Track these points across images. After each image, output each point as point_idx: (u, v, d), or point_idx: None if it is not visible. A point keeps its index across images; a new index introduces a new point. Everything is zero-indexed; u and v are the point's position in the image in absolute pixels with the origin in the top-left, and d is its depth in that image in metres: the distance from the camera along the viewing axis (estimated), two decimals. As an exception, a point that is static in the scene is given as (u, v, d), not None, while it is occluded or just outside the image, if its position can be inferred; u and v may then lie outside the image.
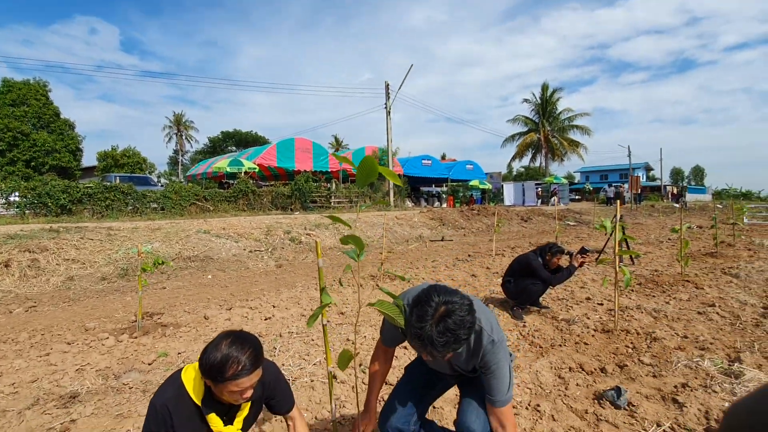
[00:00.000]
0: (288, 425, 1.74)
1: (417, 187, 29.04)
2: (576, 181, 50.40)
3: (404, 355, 3.34)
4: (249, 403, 1.57)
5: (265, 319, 4.44)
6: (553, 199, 27.14)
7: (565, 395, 2.70)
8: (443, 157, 39.70)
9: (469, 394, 1.67)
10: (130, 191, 12.57)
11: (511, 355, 1.66)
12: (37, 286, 6.11)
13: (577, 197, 36.46)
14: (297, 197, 15.96)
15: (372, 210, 16.12)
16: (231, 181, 17.39)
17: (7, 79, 24.64)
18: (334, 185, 18.91)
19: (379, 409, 1.86)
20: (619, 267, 3.76)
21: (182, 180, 24.89)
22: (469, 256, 8.77)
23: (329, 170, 20.91)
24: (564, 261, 4.62)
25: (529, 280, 4.35)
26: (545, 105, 38.04)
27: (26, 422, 2.38)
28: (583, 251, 4.27)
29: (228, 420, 1.54)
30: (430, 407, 1.96)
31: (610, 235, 3.99)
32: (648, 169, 55.63)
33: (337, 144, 51.46)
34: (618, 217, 4.28)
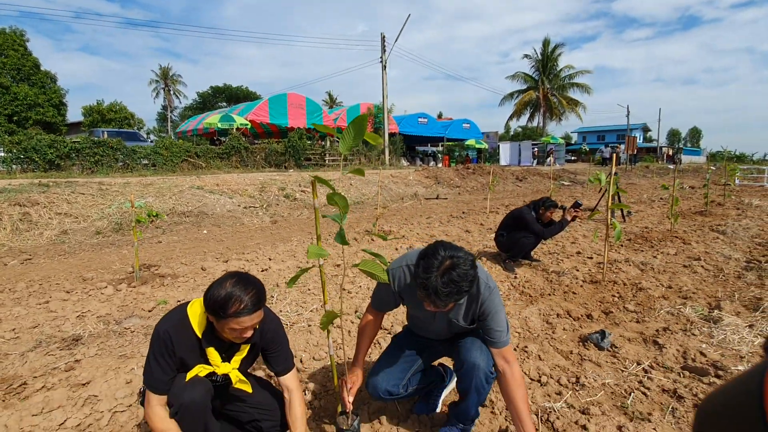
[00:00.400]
0: (285, 398, 1.67)
1: (413, 146, 28.67)
2: (573, 142, 50.03)
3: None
4: (248, 346, 1.59)
5: (262, 271, 4.51)
6: (548, 159, 27.03)
7: (552, 338, 2.82)
8: (440, 116, 38.87)
9: (465, 342, 1.71)
10: (119, 146, 12.29)
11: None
12: (30, 240, 6.10)
13: (572, 158, 36.33)
14: (291, 154, 15.73)
15: (367, 168, 15.97)
16: (222, 138, 17.04)
17: (-20, 28, 23.26)
18: (328, 143, 18.61)
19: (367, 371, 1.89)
20: (611, 221, 3.81)
21: (172, 137, 24.26)
22: (463, 213, 8.83)
23: (323, 127, 20.46)
24: (557, 215, 4.67)
25: (521, 234, 4.41)
26: (546, 61, 36.87)
27: (29, 363, 2.45)
28: (576, 205, 4.31)
29: (226, 358, 1.58)
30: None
31: (603, 192, 4.01)
32: (645, 130, 55.17)
33: (332, 101, 50.05)
34: (613, 171, 4.29)
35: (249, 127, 17.89)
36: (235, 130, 16.32)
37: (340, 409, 1.67)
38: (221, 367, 1.54)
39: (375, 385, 1.81)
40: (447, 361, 2.16)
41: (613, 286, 3.83)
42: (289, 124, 19.23)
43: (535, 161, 26.92)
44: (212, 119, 17.60)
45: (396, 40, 18.95)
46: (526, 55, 38.26)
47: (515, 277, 4.22)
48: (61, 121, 25.87)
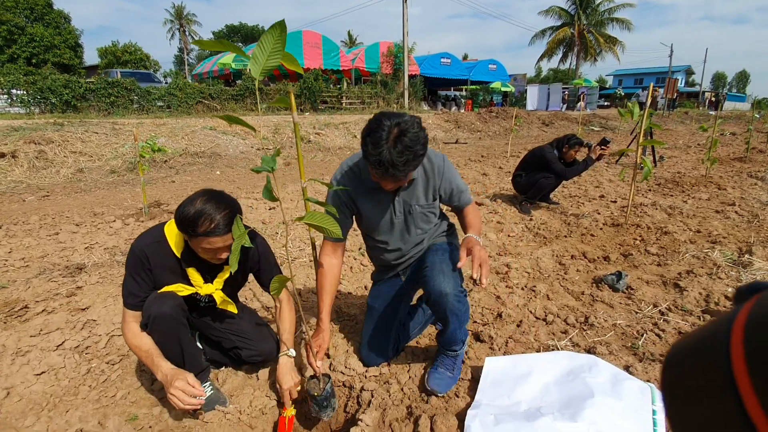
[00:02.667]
0: (275, 307, 1.65)
1: (434, 90, 27.37)
2: (608, 86, 46.69)
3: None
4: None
5: (270, 209, 4.45)
6: (579, 104, 25.45)
7: (563, 279, 2.66)
8: (465, 58, 36.65)
9: (425, 270, 1.57)
10: (133, 87, 12.11)
11: None
12: (48, 178, 6.19)
13: (606, 103, 34.05)
14: (306, 97, 15.25)
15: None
16: (238, 81, 16.58)
17: (-11, -37, 22.56)
18: (345, 85, 17.91)
19: (330, 326, 1.67)
20: (640, 159, 3.48)
21: (189, 79, 23.87)
22: (482, 156, 8.46)
23: (341, 68, 19.62)
24: (582, 155, 4.34)
25: (541, 174, 4.13)
26: (584, -6, 33.57)
27: (32, 288, 2.48)
28: (603, 142, 3.96)
29: (209, 279, 1.52)
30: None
31: (635, 135, 3.62)
32: (689, 73, 50.83)
33: (351, 41, 47.75)
34: (648, 104, 3.87)
35: (263, 67, 17.28)
36: (249, 71, 15.82)
37: (310, 374, 1.51)
38: (203, 288, 1.48)
39: (367, 362, 1.77)
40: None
41: (636, 230, 3.58)
42: (305, 65, 18.47)
43: (565, 106, 25.42)
44: (226, 59, 17.07)
45: (418, -31, 17.36)
46: (562, -13, 34.83)
47: (530, 219, 4.02)
48: (78, 63, 25.68)
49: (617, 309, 2.23)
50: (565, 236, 3.55)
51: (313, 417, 1.47)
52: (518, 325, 2.06)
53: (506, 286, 2.54)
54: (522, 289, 2.51)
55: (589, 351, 1.82)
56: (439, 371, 1.60)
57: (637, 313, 2.18)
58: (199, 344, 1.75)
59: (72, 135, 7.10)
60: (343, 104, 16.49)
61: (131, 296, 1.42)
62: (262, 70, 1.08)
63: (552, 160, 4.02)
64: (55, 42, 23.78)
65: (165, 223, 1.49)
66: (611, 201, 4.62)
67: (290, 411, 1.49)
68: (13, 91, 10.91)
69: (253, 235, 1.56)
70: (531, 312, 2.21)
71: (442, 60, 23.98)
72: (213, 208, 1.29)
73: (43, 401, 1.67)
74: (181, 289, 1.44)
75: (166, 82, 19.54)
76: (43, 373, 1.80)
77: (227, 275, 1.53)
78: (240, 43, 41.19)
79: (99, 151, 7.03)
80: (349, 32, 48.77)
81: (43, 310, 2.23)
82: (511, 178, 4.61)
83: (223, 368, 1.81)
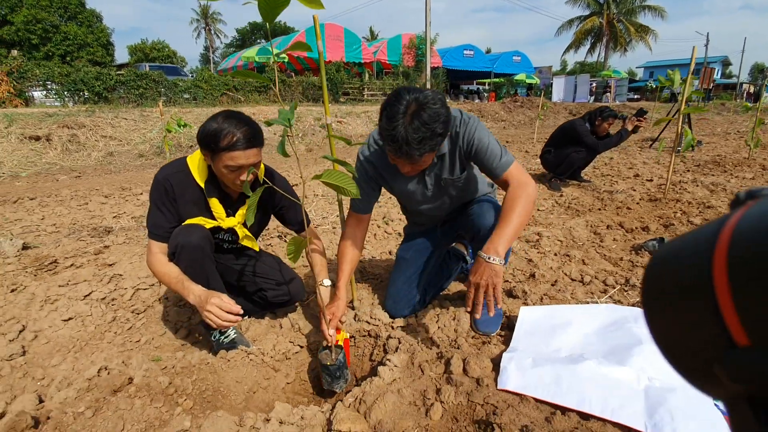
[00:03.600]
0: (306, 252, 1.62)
1: (456, 83, 27.00)
2: (638, 78, 45.02)
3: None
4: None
5: (294, 185, 4.44)
6: (605, 94, 24.60)
7: (600, 246, 2.52)
8: (488, 52, 35.99)
9: (473, 210, 1.51)
10: (161, 79, 12.42)
11: None
12: (80, 160, 6.38)
13: (636, 96, 32.81)
14: (328, 89, 15.28)
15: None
16: (262, 74, 16.79)
17: (27, -35, 23.56)
18: (367, 77, 17.87)
19: (348, 295, 1.63)
20: (683, 127, 3.28)
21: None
22: (506, 143, 8.25)
23: (362, 61, 19.59)
24: (615, 129, 4.13)
25: (571, 148, 3.96)
26: (613, -19, 32.38)
27: (62, 246, 2.52)
28: (640, 113, 3.76)
29: (231, 213, 1.49)
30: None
31: (670, 119, 3.39)
32: (726, 64, 48.49)
33: (372, 37, 47.69)
34: (691, 75, 3.63)
35: (285, 61, 17.44)
36: (272, 63, 15.99)
37: (324, 343, 1.42)
38: (225, 221, 1.45)
39: (393, 313, 1.68)
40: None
41: (676, 204, 3.37)
42: (327, 57, 18.52)
43: (593, 98, 24.61)
44: (250, 53, 17.30)
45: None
46: (590, -25, 33.68)
47: (561, 195, 3.85)
48: (110, 61, 26.58)
49: (661, 272, 2.08)
50: (600, 209, 3.38)
51: (325, 390, 1.40)
52: (553, 284, 1.94)
53: (538, 252, 2.42)
54: (555, 255, 2.38)
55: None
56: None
57: (683, 276, 2.02)
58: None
59: (102, 120, 7.30)
60: (365, 96, 16.45)
61: (157, 227, 1.40)
62: (274, 13, 0.98)
63: (583, 133, 3.83)
64: (87, 40, 24.68)
65: (187, 156, 1.47)
66: (647, 179, 4.39)
67: (343, 334, 1.43)
68: (48, 84, 11.36)
69: (270, 172, 1.53)
70: (566, 274, 2.08)
71: (465, 52, 23.62)
72: (233, 124, 1.30)
73: (70, 344, 1.67)
74: (203, 222, 1.41)
75: (193, 77, 20.01)
76: (70, 319, 1.81)
77: (247, 207, 1.50)
78: (262, 40, 41.76)
79: (128, 136, 7.21)
80: (370, 28, 48.74)
81: (71, 265, 2.25)
82: (539, 155, 4.44)
83: (246, 317, 1.77)
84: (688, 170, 4.96)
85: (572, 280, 2.03)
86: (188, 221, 1.40)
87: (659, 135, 7.59)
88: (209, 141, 1.28)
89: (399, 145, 1.21)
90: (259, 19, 46.97)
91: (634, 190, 3.89)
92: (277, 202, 1.58)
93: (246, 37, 44.92)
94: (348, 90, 16.01)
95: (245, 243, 1.54)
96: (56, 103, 11.57)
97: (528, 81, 24.92)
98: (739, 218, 0.22)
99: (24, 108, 9.97)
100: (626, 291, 1.88)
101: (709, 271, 0.22)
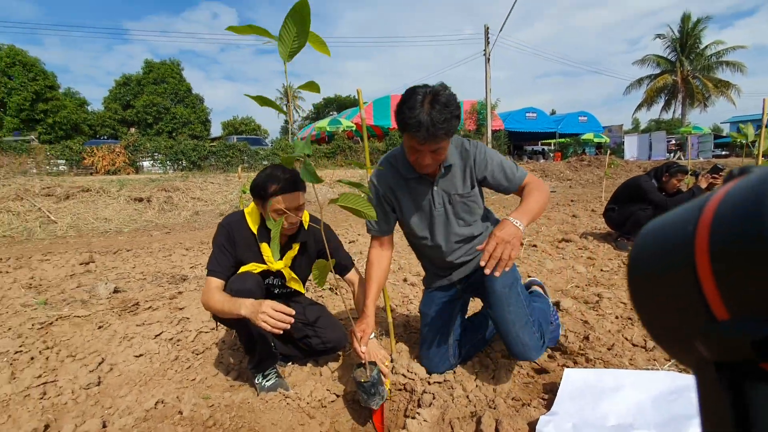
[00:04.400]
0: (351, 291, 1.80)
1: (520, 144, 26.97)
2: (724, 134, 41.52)
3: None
4: (298, 245, 1.67)
5: (350, 243, 4.63)
6: (677, 153, 22.85)
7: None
8: (552, 113, 35.94)
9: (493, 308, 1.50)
10: (244, 148, 14.08)
11: None
12: (172, 218, 7.28)
13: (723, 152, 30.11)
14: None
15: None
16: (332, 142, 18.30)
17: (148, 60, 29.09)
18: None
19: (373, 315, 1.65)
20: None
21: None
22: (571, 201, 7.94)
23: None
24: (685, 186, 3.85)
25: (636, 206, 3.73)
26: (685, 39, 31.35)
27: (144, 291, 2.86)
28: (715, 170, 3.50)
29: (279, 258, 1.64)
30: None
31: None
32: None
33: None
34: (761, 131, 3.36)
35: (353, 129, 18.88)
36: (341, 131, 17.39)
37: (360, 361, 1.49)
38: (274, 264, 1.60)
39: (428, 368, 1.68)
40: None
41: None
42: (392, 125, 19.75)
43: (672, 155, 23.04)
44: (322, 123, 19.04)
45: (501, 29, 18.16)
46: (658, 35, 32.98)
47: (627, 255, 3.58)
48: (207, 135, 30.80)
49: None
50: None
51: (362, 407, 1.41)
52: (609, 348, 1.79)
53: (597, 314, 2.25)
54: (616, 317, 2.20)
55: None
56: None
57: None
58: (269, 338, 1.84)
59: (193, 184, 8.37)
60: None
61: (217, 265, 1.59)
62: (290, 52, 1.07)
63: (649, 190, 3.63)
64: (190, 119, 29.03)
65: (245, 208, 1.70)
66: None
67: (388, 382, 1.51)
68: (155, 155, 13.44)
69: (315, 219, 1.68)
70: (627, 338, 1.91)
71: (528, 114, 23.82)
72: (278, 171, 1.51)
73: (137, 378, 1.85)
74: (255, 267, 1.57)
75: (272, 146, 22.33)
76: (141, 355, 2.02)
77: (295, 252, 1.67)
78: (334, 112, 45.85)
79: (212, 198, 8.13)
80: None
81: (149, 307, 2.54)
82: (602, 213, 4.23)
83: (290, 363, 1.85)
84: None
85: (633, 345, 1.85)
86: (242, 269, 1.57)
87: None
88: (259, 190, 1.49)
89: (426, 127, 1.31)
90: (332, 93, 52.00)
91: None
92: (321, 246, 1.72)
93: (320, 110, 49.71)
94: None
95: (292, 285, 1.68)
96: (159, 170, 13.56)
97: (596, 140, 24.15)
98: (724, 194, 0.23)
99: (134, 174, 11.84)
100: (698, 360, 1.67)
101: (692, 246, 0.22)
